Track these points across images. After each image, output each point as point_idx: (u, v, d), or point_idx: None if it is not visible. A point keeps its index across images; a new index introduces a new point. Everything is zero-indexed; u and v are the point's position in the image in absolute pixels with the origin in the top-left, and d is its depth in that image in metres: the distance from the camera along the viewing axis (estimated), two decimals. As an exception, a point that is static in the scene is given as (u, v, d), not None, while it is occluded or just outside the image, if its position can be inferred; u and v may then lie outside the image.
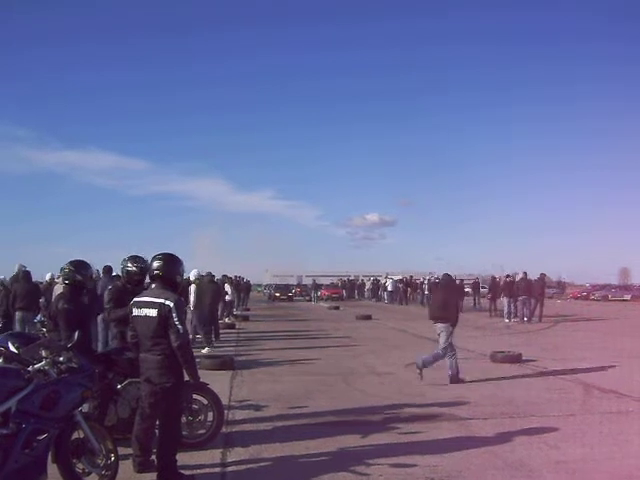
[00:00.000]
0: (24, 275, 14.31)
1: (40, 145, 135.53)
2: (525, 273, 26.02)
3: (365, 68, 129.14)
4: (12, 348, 5.33)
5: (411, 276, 48.95)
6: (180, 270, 5.89)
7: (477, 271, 72.87)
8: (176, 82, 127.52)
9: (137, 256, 7.41)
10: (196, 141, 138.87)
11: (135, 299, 5.79)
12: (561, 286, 50.92)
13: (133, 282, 7.29)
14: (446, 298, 11.22)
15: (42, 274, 17.71)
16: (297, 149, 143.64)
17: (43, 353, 5.08)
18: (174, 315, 5.41)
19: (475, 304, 35.74)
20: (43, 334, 7.84)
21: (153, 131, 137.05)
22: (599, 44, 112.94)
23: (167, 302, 5.45)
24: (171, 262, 5.80)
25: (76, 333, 5.55)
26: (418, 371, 10.76)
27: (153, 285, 5.76)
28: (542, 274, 26.67)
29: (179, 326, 5.41)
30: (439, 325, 10.97)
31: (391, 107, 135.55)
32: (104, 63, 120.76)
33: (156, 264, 5.73)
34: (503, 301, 26.59)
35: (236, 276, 34.75)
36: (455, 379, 10.61)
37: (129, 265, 7.30)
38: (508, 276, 27.11)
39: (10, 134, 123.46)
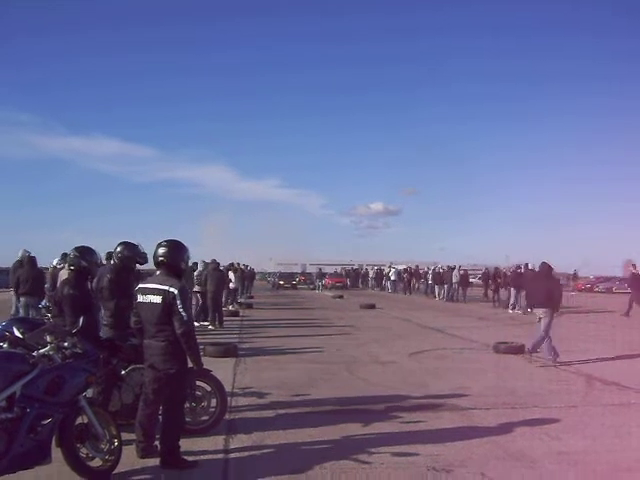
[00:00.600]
0: (29, 260, 14.36)
1: (44, 130, 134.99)
2: (529, 264, 26.01)
3: (370, 58, 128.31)
4: (17, 333, 5.40)
5: (417, 265, 48.91)
6: (185, 257, 5.90)
7: (481, 261, 72.84)
8: (181, 68, 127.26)
9: (130, 242, 7.39)
10: (202, 128, 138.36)
11: (140, 285, 5.82)
12: (575, 278, 50.73)
13: (127, 269, 7.29)
14: (549, 285, 12.08)
15: (46, 260, 17.74)
16: (302, 137, 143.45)
17: (48, 338, 5.13)
18: (178, 302, 5.44)
19: (486, 294, 35.55)
20: (48, 319, 7.87)
21: (158, 118, 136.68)
22: (600, 40, 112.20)
23: (171, 289, 5.47)
24: (176, 249, 5.81)
25: (81, 319, 5.59)
26: (528, 355, 12.01)
27: (158, 272, 5.79)
28: (544, 262, 26.55)
29: (183, 313, 5.44)
30: (541, 310, 11.94)
31: (396, 97, 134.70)
32: (109, 49, 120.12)
33: (161, 251, 5.74)
34: (510, 292, 26.63)
35: (240, 264, 34.71)
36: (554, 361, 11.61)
37: (125, 252, 7.27)
38: (519, 267, 27.02)
39: (14, 119, 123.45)
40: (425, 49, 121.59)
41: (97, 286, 7.19)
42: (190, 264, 17.68)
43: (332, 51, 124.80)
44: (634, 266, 25.60)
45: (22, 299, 13.89)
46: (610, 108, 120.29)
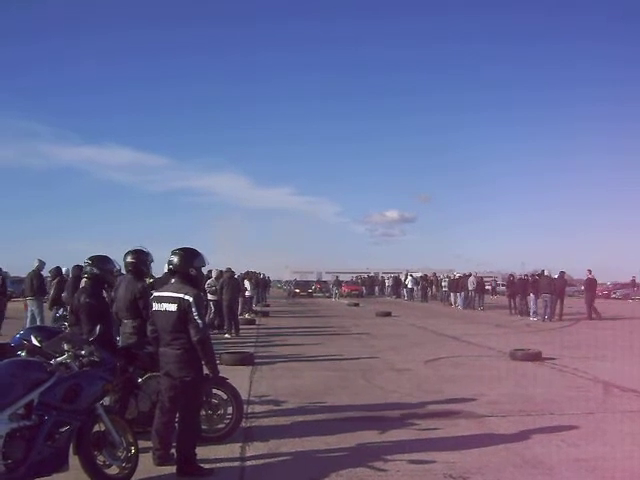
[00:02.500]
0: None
1: (58, 140, 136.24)
2: (545, 271, 25.99)
3: (383, 64, 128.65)
4: (35, 341, 5.44)
5: (434, 273, 48.77)
6: (194, 264, 5.85)
7: (497, 268, 72.50)
8: (196, 77, 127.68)
9: (140, 250, 7.40)
10: (215, 136, 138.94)
11: (155, 294, 5.88)
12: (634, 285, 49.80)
13: (143, 275, 7.33)
14: None
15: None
16: (316, 144, 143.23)
17: (65, 347, 5.17)
18: (193, 310, 5.47)
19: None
20: (65, 328, 7.93)
21: (171, 126, 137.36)
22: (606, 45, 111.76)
23: (186, 297, 5.51)
24: (184, 256, 5.83)
25: (97, 327, 5.63)
26: None
27: (172, 280, 5.83)
28: (562, 272, 26.47)
29: (198, 321, 5.47)
30: None
31: (409, 103, 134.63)
32: (120, 56, 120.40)
33: (172, 259, 5.80)
34: (530, 299, 26.55)
35: (255, 272, 34.74)
36: None
37: (138, 258, 7.30)
38: (538, 274, 26.91)
39: (28, 129, 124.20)
40: (440, 54, 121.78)
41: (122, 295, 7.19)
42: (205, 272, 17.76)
43: (346, 56, 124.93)
44: (589, 271, 26.50)
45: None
46: (631, 114, 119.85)
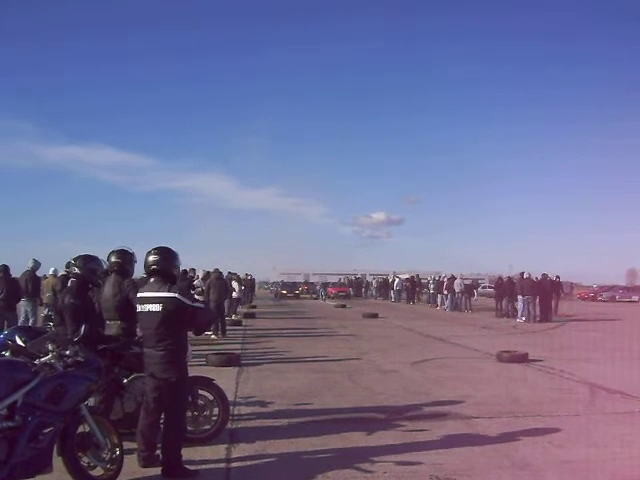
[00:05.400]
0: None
1: (45, 140, 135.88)
2: (524, 273, 26.25)
3: (373, 65, 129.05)
4: (19, 341, 5.39)
5: (417, 275, 48.84)
6: (176, 263, 5.86)
7: (485, 270, 72.76)
8: (180, 78, 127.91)
9: (124, 249, 7.32)
10: (201, 137, 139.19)
11: (138, 295, 5.80)
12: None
13: (128, 275, 7.27)
14: None
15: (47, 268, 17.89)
16: (302, 146, 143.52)
17: (50, 347, 5.12)
18: (187, 302, 5.50)
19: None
20: (50, 328, 7.86)
21: (158, 127, 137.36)
22: (602, 46, 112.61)
23: (171, 294, 5.48)
24: (168, 256, 5.81)
25: (82, 327, 5.57)
26: None
27: (151, 279, 5.76)
28: (544, 274, 26.65)
29: (200, 305, 5.55)
30: None
31: (398, 105, 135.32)
32: (107, 58, 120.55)
33: (153, 258, 5.75)
34: (518, 300, 26.68)
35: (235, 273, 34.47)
36: None
37: (123, 258, 7.21)
38: (519, 276, 27.09)
39: (14, 128, 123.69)
40: (427, 55, 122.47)
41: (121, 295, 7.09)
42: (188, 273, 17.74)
43: (336, 57, 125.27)
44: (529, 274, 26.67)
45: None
46: (616, 116, 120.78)
